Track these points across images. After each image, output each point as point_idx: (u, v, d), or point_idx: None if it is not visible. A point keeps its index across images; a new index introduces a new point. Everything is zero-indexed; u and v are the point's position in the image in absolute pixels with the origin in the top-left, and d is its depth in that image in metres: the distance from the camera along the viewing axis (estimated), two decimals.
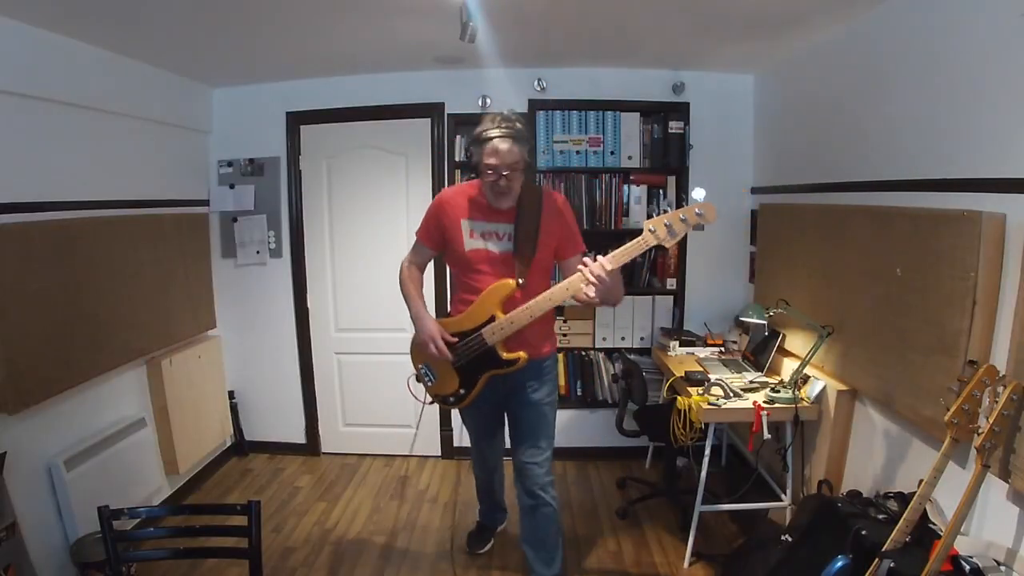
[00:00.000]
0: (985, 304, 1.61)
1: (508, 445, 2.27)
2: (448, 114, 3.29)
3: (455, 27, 2.15)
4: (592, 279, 1.76)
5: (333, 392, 3.60)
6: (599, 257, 1.79)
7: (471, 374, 2.07)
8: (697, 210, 1.76)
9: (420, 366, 2.18)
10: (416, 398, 2.30)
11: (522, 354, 1.99)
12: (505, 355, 2.00)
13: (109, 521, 1.47)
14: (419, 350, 2.13)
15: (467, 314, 2.03)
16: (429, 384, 2.18)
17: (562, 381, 3.49)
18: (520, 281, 1.96)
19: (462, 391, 2.10)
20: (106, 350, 2.51)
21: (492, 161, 1.87)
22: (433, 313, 3.45)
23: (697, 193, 1.84)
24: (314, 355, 3.55)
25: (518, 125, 1.89)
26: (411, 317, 2.12)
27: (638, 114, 3.29)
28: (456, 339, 2.03)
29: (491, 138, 1.86)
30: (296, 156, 3.38)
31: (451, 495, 3.16)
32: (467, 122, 3.32)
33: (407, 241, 3.55)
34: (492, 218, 2.01)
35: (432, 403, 2.23)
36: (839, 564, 1.63)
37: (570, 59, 3.08)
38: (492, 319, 1.97)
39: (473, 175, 2.35)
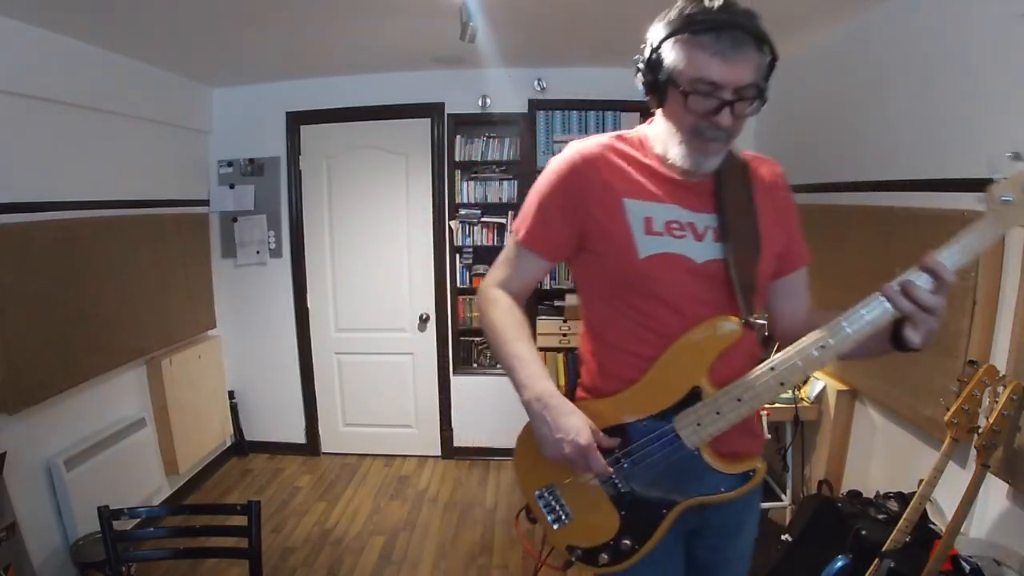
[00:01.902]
0: (985, 304, 1.61)
1: None
2: (448, 114, 3.29)
3: (455, 27, 2.15)
4: (927, 303, 0.92)
5: (333, 392, 3.60)
6: (930, 261, 0.93)
7: (645, 507, 1.06)
8: None
9: (540, 491, 1.14)
10: (531, 551, 1.28)
11: (757, 463, 1.05)
12: (721, 466, 1.04)
13: (109, 521, 1.47)
14: (537, 461, 1.10)
15: (637, 388, 1.06)
16: (556, 526, 1.13)
17: (562, 381, 3.49)
18: (751, 319, 1.04)
19: (627, 541, 1.07)
20: (106, 350, 2.51)
21: (712, 75, 0.91)
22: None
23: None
24: (314, 355, 3.55)
25: (752, 12, 0.94)
26: (520, 383, 1.05)
27: (638, 114, 3.29)
28: (616, 440, 1.05)
29: (709, 27, 0.91)
30: (296, 156, 3.38)
31: (451, 495, 3.16)
32: (467, 122, 3.33)
33: (407, 242, 3.60)
34: (681, 198, 1.05)
35: (566, 567, 1.15)
36: (839, 564, 1.64)
37: (570, 59, 3.08)
38: (694, 395, 1.02)
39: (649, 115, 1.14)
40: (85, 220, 2.41)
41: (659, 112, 1.04)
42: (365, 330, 3.53)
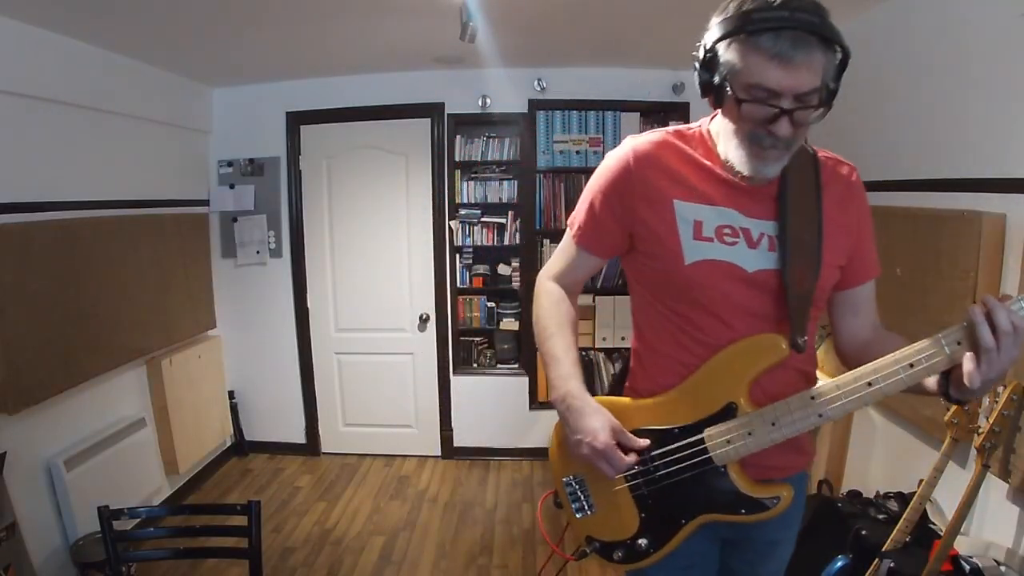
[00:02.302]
0: None
1: None
2: (448, 114, 3.29)
3: (455, 27, 2.15)
4: (993, 344, 0.78)
5: (333, 392, 3.60)
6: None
7: (666, 513, 1.05)
8: None
9: (568, 478, 1.14)
10: (550, 542, 1.26)
11: (783, 491, 0.99)
12: (746, 487, 1.00)
13: (109, 521, 1.47)
14: (566, 450, 1.11)
15: (674, 395, 1.04)
16: (579, 515, 1.13)
17: None
18: (800, 340, 0.96)
19: (642, 542, 1.06)
20: (106, 350, 2.51)
21: (769, 81, 0.84)
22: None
23: None
24: (314, 355, 3.55)
25: (818, 5, 0.86)
26: (551, 382, 1.07)
27: (638, 114, 3.29)
28: (645, 441, 1.02)
29: (767, 27, 0.82)
30: (296, 156, 3.38)
31: (451, 495, 3.16)
32: (467, 122, 3.33)
33: (407, 242, 3.59)
34: (738, 202, 0.99)
35: (580, 557, 1.16)
36: (839, 564, 1.64)
37: (570, 59, 3.08)
38: (729, 411, 0.99)
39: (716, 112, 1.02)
40: (85, 220, 2.41)
41: (715, 110, 0.99)
42: (365, 330, 3.52)
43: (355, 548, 2.67)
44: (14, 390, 2.04)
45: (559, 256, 1.17)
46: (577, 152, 3.28)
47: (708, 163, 1.00)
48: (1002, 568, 1.51)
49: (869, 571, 1.55)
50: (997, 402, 1.45)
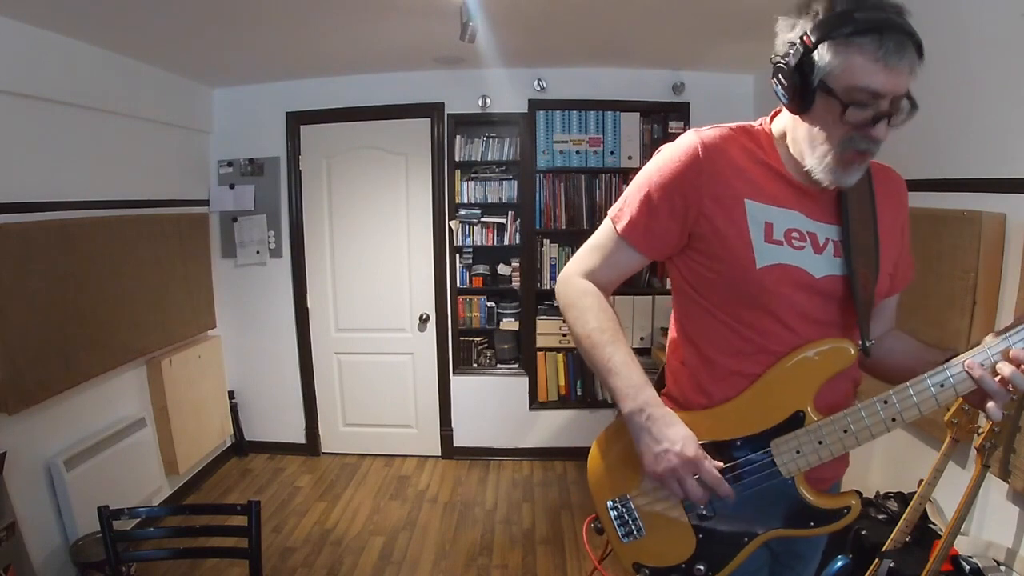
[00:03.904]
0: (985, 304, 1.61)
1: None
2: (448, 114, 3.29)
3: (455, 27, 2.15)
4: (996, 387, 0.82)
5: (333, 392, 3.60)
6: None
7: (726, 533, 0.99)
8: None
9: (613, 500, 1.07)
10: (599, 566, 1.13)
11: (852, 501, 0.96)
12: (815, 499, 0.96)
13: (109, 521, 1.47)
14: (613, 468, 1.07)
15: (735, 404, 0.98)
16: (626, 540, 1.05)
17: (562, 381, 3.50)
18: (867, 342, 0.97)
19: (700, 567, 1.00)
20: (106, 350, 2.50)
21: (875, 84, 0.82)
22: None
23: None
24: (314, 355, 3.55)
25: (903, 7, 0.84)
26: (619, 392, 0.96)
27: (638, 114, 3.29)
28: (718, 462, 0.95)
29: (872, 28, 0.80)
30: (296, 156, 3.38)
31: (451, 495, 3.16)
32: (467, 122, 3.33)
33: (407, 242, 3.59)
34: (802, 204, 0.97)
35: None
36: (839, 564, 1.63)
37: (570, 59, 3.08)
38: (796, 420, 0.94)
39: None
40: (85, 220, 2.41)
41: (793, 115, 0.92)
42: (365, 330, 3.52)
43: (355, 548, 2.67)
44: (14, 390, 2.04)
45: (594, 252, 1.05)
46: (577, 152, 3.28)
47: (775, 163, 0.97)
48: (1002, 568, 1.51)
49: (869, 571, 1.55)
50: None
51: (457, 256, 3.45)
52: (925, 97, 2.00)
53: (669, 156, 0.98)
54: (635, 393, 0.94)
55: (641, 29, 2.54)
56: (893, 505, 1.80)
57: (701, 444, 0.93)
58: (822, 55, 0.83)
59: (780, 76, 0.88)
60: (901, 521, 1.55)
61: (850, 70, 0.81)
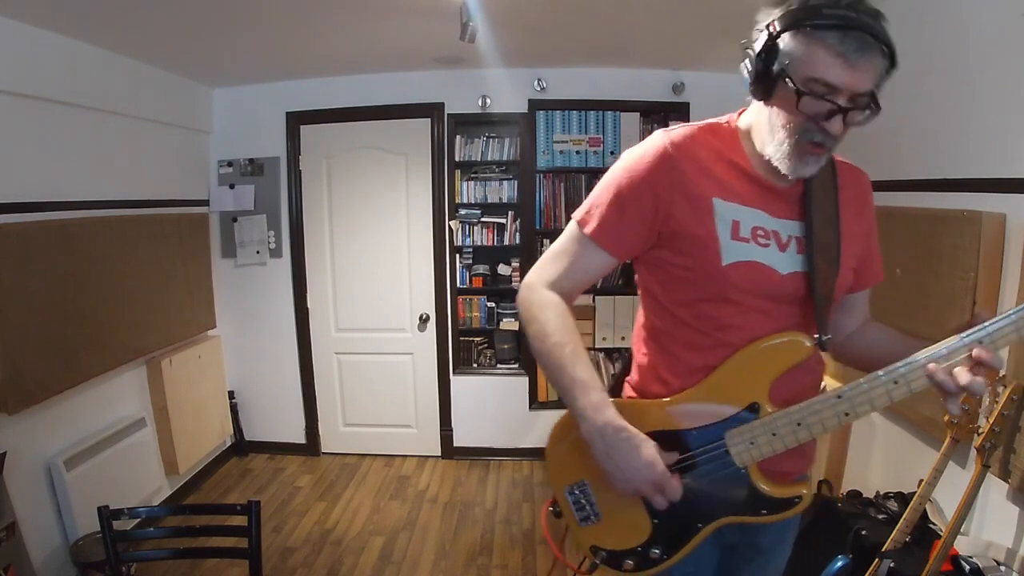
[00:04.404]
0: (985, 304, 1.61)
1: None
2: (448, 114, 3.29)
3: (455, 27, 2.15)
4: (955, 388, 0.84)
5: (333, 392, 3.60)
6: (975, 350, 0.86)
7: (681, 518, 1.02)
8: None
9: (571, 486, 1.09)
10: (558, 553, 1.19)
11: (804, 490, 0.99)
12: (767, 487, 0.98)
13: (109, 521, 1.47)
14: (569, 455, 1.07)
15: (692, 395, 1.00)
16: (583, 524, 1.08)
17: None
18: (823, 336, 0.98)
19: (656, 550, 1.03)
20: (106, 350, 2.50)
21: (832, 77, 0.84)
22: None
23: None
24: (314, 355, 3.55)
25: (879, 12, 0.89)
26: (579, 410, 0.96)
27: (638, 114, 3.29)
28: (673, 455, 0.98)
29: (836, 24, 0.83)
30: (296, 156, 3.38)
31: (451, 495, 3.16)
32: (467, 122, 3.33)
33: (407, 242, 3.59)
34: (766, 202, 0.98)
35: (591, 569, 1.10)
36: (839, 564, 1.63)
37: (570, 59, 3.08)
38: (751, 411, 0.97)
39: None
40: (85, 220, 2.41)
41: (758, 105, 0.95)
42: (365, 330, 3.52)
43: (355, 548, 2.67)
44: (14, 390, 2.04)
45: (559, 258, 1.05)
46: (577, 152, 3.28)
47: (739, 160, 0.98)
48: (1002, 568, 1.51)
49: (869, 571, 1.55)
50: (997, 402, 1.45)
51: (457, 256, 3.45)
52: (925, 97, 2.01)
53: (638, 157, 1.00)
54: (593, 413, 0.94)
55: (641, 29, 2.54)
56: (893, 505, 1.80)
57: (659, 432, 0.96)
58: (786, 43, 0.86)
59: (749, 61, 0.92)
60: (901, 521, 1.55)
61: (810, 61, 0.84)
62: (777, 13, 0.87)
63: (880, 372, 0.89)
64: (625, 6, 2.23)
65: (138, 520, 1.97)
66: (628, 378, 1.14)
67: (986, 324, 0.86)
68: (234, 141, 3.38)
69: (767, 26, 0.88)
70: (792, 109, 0.87)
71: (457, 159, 3.35)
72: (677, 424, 0.99)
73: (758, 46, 0.89)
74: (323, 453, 3.65)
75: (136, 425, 2.68)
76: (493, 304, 3.49)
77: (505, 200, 3.37)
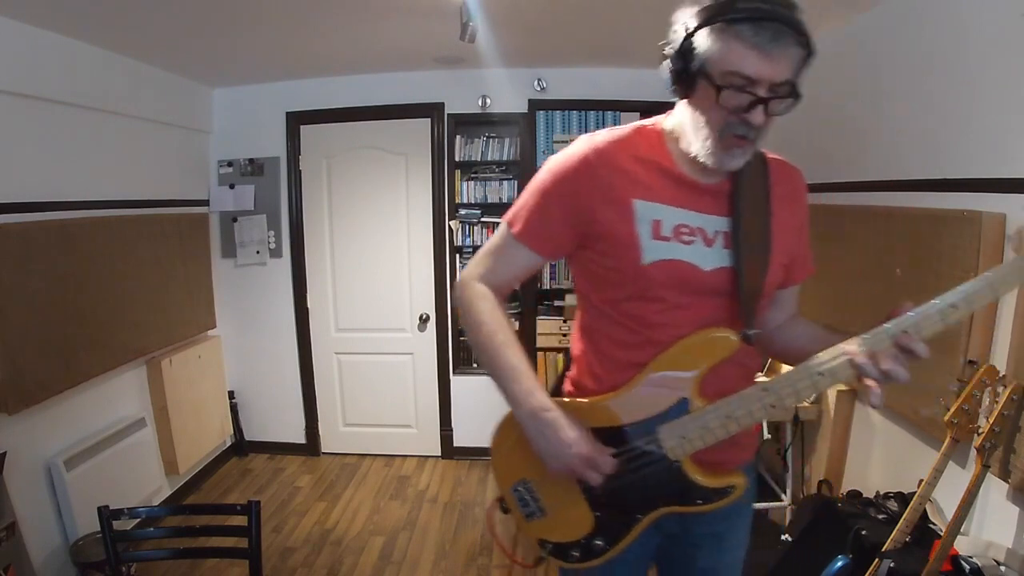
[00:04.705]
0: (985, 304, 1.60)
1: None
2: (448, 114, 3.29)
3: (455, 27, 2.15)
4: (877, 374, 0.86)
5: (333, 392, 3.60)
6: (901, 334, 0.87)
7: (621, 510, 1.07)
8: None
9: (515, 484, 1.13)
10: (506, 551, 1.23)
11: (737, 480, 1.03)
12: (701, 478, 1.02)
13: (109, 521, 1.47)
14: (513, 453, 1.11)
15: (625, 393, 1.03)
16: (531, 519, 1.13)
17: None
18: (749, 332, 0.99)
19: (599, 541, 1.08)
20: (106, 350, 2.50)
21: (748, 69, 0.85)
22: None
23: None
24: (314, 355, 3.55)
25: (793, 3, 0.87)
26: (513, 395, 1.02)
27: (638, 114, 3.28)
28: (609, 449, 1.01)
29: (749, 17, 0.83)
30: (296, 156, 3.38)
31: (451, 495, 3.16)
32: (467, 122, 3.33)
33: (407, 242, 3.59)
34: (693, 200, 1.01)
35: (537, 563, 1.19)
36: (839, 564, 1.63)
37: (570, 59, 3.08)
38: (680, 407, 1.00)
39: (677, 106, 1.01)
40: (85, 220, 2.41)
41: (682, 103, 0.97)
42: (365, 330, 3.52)
43: (355, 548, 2.67)
44: (14, 390, 2.04)
45: (491, 255, 1.11)
46: None
47: (665, 161, 1.01)
48: (1002, 568, 1.51)
49: (869, 571, 1.55)
50: (997, 402, 1.45)
51: (457, 256, 3.45)
52: (925, 97, 2.00)
53: (561, 162, 1.05)
54: (527, 398, 0.99)
55: (641, 29, 2.53)
56: (893, 505, 1.79)
57: (595, 429, 1.01)
58: (702, 40, 0.87)
59: (667, 60, 0.94)
60: (901, 521, 1.55)
61: (726, 55, 0.85)
62: (692, 11, 0.89)
63: (804, 364, 0.92)
64: (625, 6, 2.23)
65: (138, 520, 1.97)
66: (568, 372, 1.19)
67: (910, 314, 0.88)
68: (234, 141, 3.38)
69: (684, 25, 0.90)
70: (713, 104, 0.88)
71: (457, 159, 3.35)
72: (614, 421, 1.03)
73: (675, 45, 0.91)
74: (323, 453, 3.65)
75: (136, 425, 2.68)
76: None
77: (505, 200, 3.37)
